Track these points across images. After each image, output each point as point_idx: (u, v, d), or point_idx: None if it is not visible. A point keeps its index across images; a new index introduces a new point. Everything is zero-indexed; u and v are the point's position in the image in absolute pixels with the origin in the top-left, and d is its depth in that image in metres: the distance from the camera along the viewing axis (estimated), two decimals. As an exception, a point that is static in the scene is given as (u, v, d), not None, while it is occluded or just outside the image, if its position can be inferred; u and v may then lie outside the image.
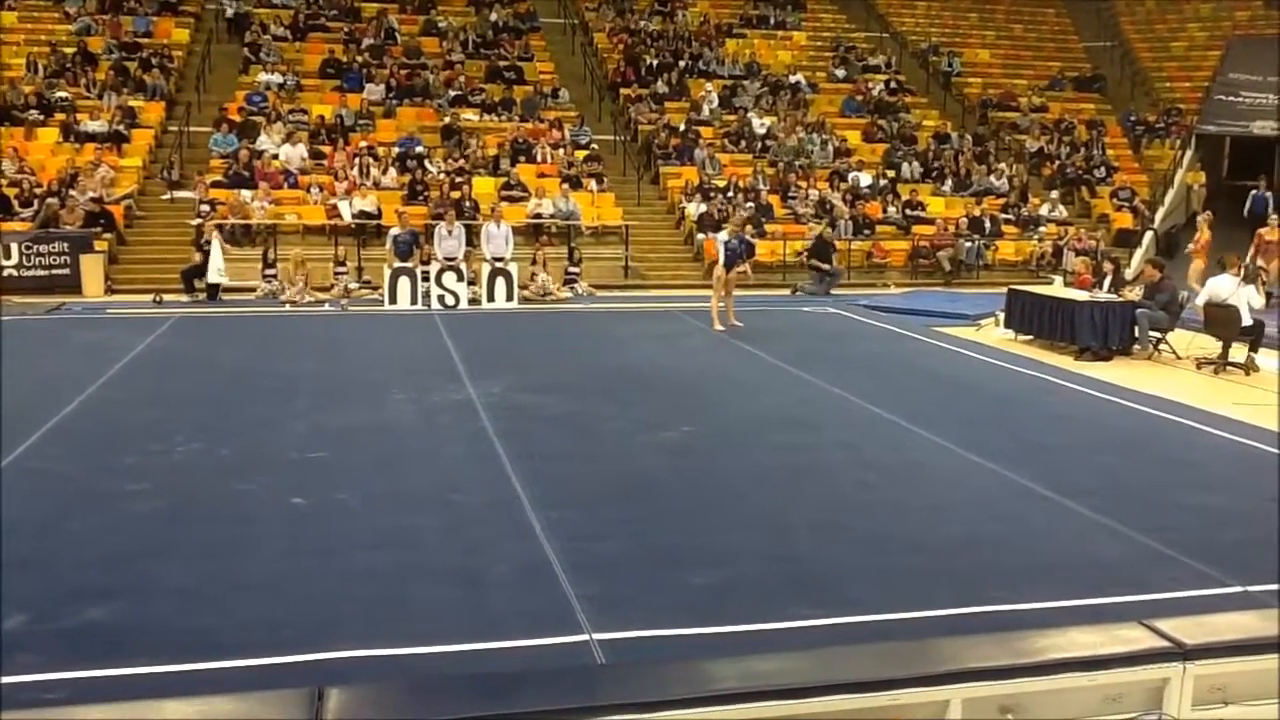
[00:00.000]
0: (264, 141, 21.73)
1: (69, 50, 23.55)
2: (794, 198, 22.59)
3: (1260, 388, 12.16)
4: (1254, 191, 19.20)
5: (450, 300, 17.63)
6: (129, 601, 5.71)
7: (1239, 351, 13.13)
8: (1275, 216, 17.68)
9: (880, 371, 12.86)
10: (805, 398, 11.29)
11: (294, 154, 21.52)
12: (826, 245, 20.29)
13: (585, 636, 5.32)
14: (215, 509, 7.28)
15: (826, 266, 20.05)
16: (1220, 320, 13.12)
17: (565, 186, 21.33)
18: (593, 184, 22.21)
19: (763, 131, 24.76)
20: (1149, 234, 23.27)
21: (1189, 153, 25.84)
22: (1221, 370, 12.92)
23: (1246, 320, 13.04)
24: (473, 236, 19.17)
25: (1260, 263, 17.45)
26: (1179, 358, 13.62)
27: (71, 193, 19.15)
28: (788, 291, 19.95)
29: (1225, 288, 13.17)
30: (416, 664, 5.07)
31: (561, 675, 3.90)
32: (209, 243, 17.52)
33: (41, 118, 21.52)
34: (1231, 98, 26.40)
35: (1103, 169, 25.63)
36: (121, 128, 21.52)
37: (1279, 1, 29.34)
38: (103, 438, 9.11)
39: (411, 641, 5.25)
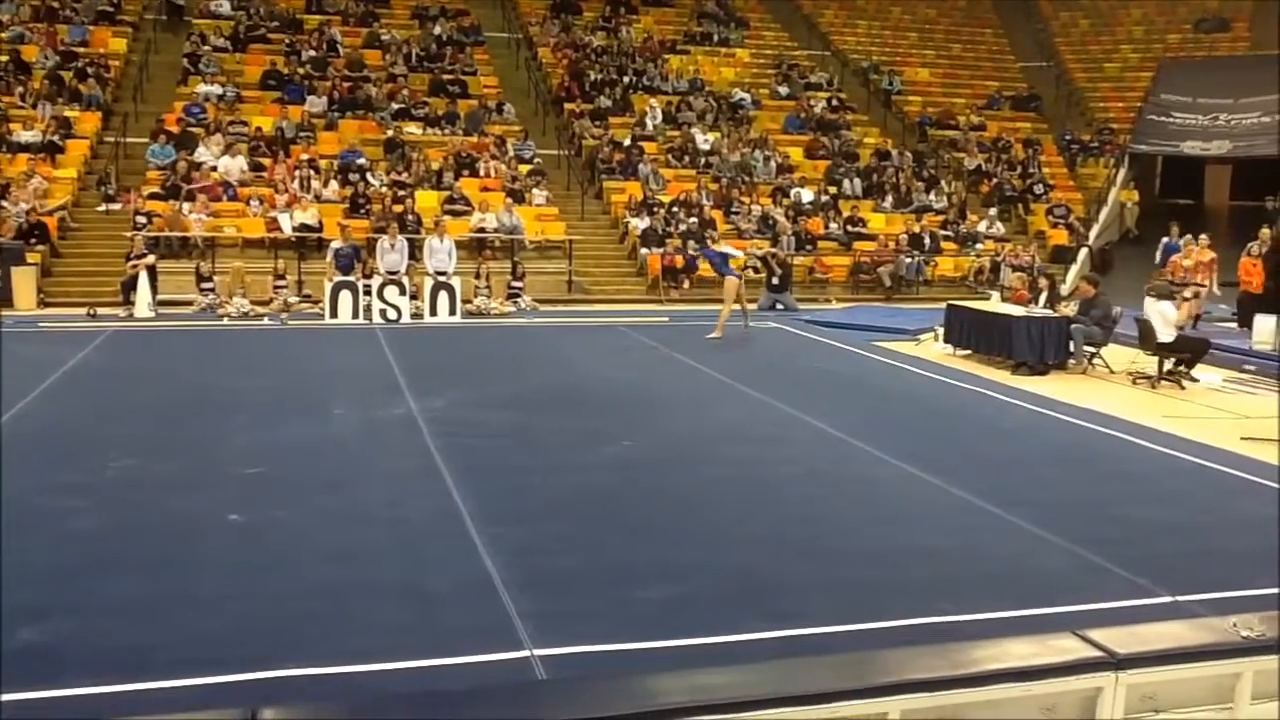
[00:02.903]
0: (203, 153, 21.44)
1: (2, 59, 23.08)
2: (737, 213, 22.74)
3: (1190, 401, 12.43)
4: (1165, 240, 19.74)
5: (392, 314, 17.50)
6: (64, 620, 5.59)
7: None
8: (1205, 237, 18.07)
9: (821, 386, 12.97)
10: (748, 412, 11.35)
11: (233, 166, 21.26)
12: (770, 266, 20.32)
13: (526, 652, 5.30)
14: (153, 526, 7.15)
15: (776, 281, 20.15)
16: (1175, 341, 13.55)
17: (509, 201, 21.29)
18: (536, 198, 22.19)
19: (706, 147, 24.90)
20: (1084, 251, 23.71)
21: (1122, 171, 26.38)
22: (1158, 384, 13.18)
23: (1163, 336, 13.32)
24: (415, 250, 19.06)
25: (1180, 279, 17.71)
26: (1112, 372, 13.88)
27: (3, 204, 18.76)
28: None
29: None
30: (356, 682, 5.01)
31: (501, 692, 3.87)
32: (139, 258, 17.26)
33: (-28, 128, 21.09)
34: (1163, 118, 27.01)
35: (1039, 186, 26.08)
36: (56, 138, 21.12)
37: (1208, 26, 30.13)
38: (36, 453, 8.90)
39: (351, 659, 5.19)
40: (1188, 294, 13.62)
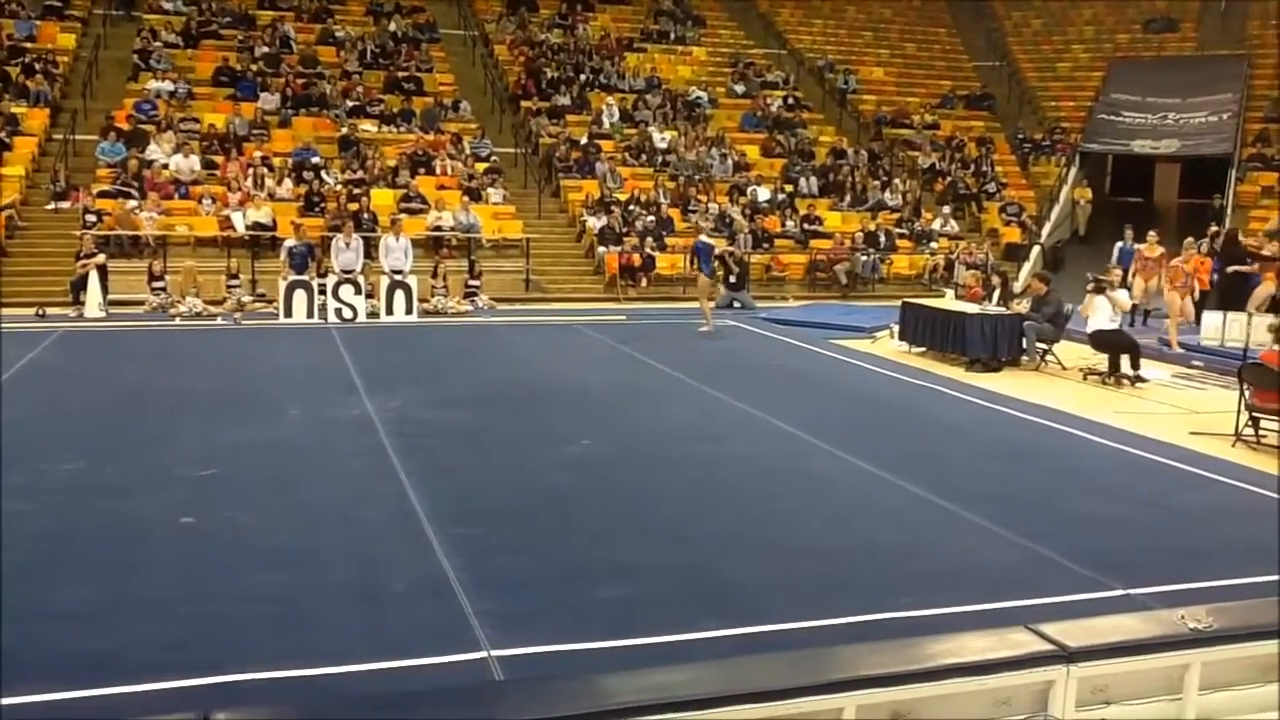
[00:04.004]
0: (154, 151, 21.15)
1: (-54, 54, 22.67)
2: (694, 211, 22.78)
3: (1140, 396, 12.61)
4: (1120, 244, 20.03)
5: (348, 313, 17.36)
6: (12, 626, 5.48)
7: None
8: (1153, 234, 18.31)
9: (778, 383, 13.02)
10: (706, 410, 11.37)
11: (185, 164, 21.00)
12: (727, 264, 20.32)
13: (484, 653, 5.27)
14: (103, 529, 7.04)
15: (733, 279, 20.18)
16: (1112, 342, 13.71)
17: (465, 199, 21.19)
18: (493, 196, 22.10)
19: (663, 145, 24.93)
20: (1036, 249, 24.00)
21: (1074, 170, 26.72)
22: (1109, 379, 13.34)
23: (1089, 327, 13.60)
24: (371, 249, 18.91)
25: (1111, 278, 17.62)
26: (1064, 368, 14.05)
27: (-52, 202, 18.43)
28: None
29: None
30: (311, 685, 4.96)
31: (457, 693, 3.86)
32: (89, 257, 17.01)
33: (-84, 124, 20.67)
34: (1113, 117, 27.39)
35: (992, 185, 26.36)
36: (3, 135, 20.74)
37: (1156, 26, 30.58)
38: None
39: (306, 662, 5.14)
40: (1090, 288, 13.84)
